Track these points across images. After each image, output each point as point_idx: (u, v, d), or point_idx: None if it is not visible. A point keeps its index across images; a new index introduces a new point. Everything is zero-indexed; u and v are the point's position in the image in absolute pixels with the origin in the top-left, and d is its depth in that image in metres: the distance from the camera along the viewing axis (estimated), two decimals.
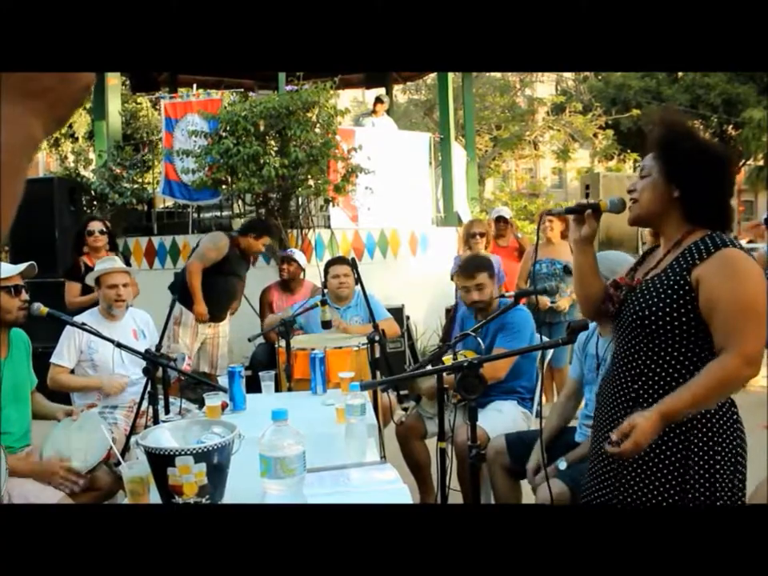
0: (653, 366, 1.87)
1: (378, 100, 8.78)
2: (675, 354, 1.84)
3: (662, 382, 1.85)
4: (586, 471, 2.14)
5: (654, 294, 1.86)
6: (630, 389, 1.91)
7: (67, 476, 2.66)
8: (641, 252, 2.31)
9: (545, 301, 5.12)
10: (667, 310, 1.82)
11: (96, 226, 4.86)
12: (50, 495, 2.58)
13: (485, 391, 3.30)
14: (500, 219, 6.34)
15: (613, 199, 1.95)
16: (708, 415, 1.82)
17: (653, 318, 1.84)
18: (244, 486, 1.80)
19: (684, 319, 1.81)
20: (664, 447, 1.84)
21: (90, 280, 3.75)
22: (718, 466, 1.82)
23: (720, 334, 1.77)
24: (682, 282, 1.82)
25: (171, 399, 2.96)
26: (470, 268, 3.55)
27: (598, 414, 2.07)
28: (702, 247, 1.83)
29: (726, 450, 1.84)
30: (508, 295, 3.06)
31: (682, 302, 1.81)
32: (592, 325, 2.76)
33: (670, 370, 1.85)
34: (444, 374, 2.31)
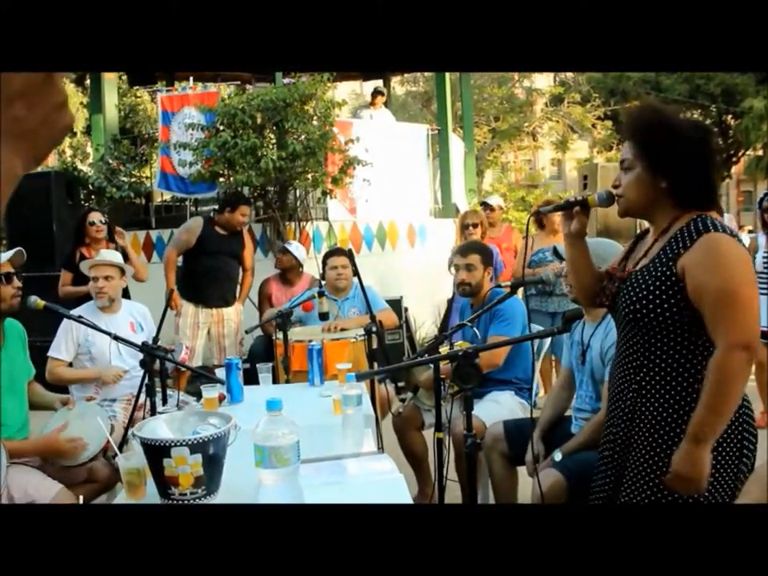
0: (652, 358, 1.86)
1: (377, 92, 8.76)
2: (672, 343, 1.84)
3: (662, 373, 1.85)
4: (595, 463, 2.14)
5: (643, 286, 1.86)
6: (633, 381, 1.91)
7: (71, 445, 2.70)
8: None
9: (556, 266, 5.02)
10: (657, 301, 1.82)
11: (96, 216, 4.91)
12: (49, 486, 2.59)
13: (481, 381, 3.33)
14: (486, 207, 6.26)
15: (601, 194, 1.94)
16: None
17: (644, 310, 1.84)
18: (240, 477, 1.80)
19: (675, 309, 1.81)
20: (670, 442, 1.84)
21: (84, 269, 3.78)
22: (721, 464, 1.82)
23: (711, 325, 1.77)
24: (668, 272, 1.81)
25: (169, 392, 2.97)
26: (464, 248, 3.65)
27: (609, 408, 2.07)
28: (687, 234, 1.82)
29: (731, 444, 1.83)
30: (504, 285, 3.06)
31: (671, 292, 1.81)
32: None
33: (669, 360, 1.84)
34: (441, 364, 2.31)
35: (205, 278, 5.02)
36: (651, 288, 1.83)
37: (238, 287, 5.35)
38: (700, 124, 2.01)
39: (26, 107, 0.55)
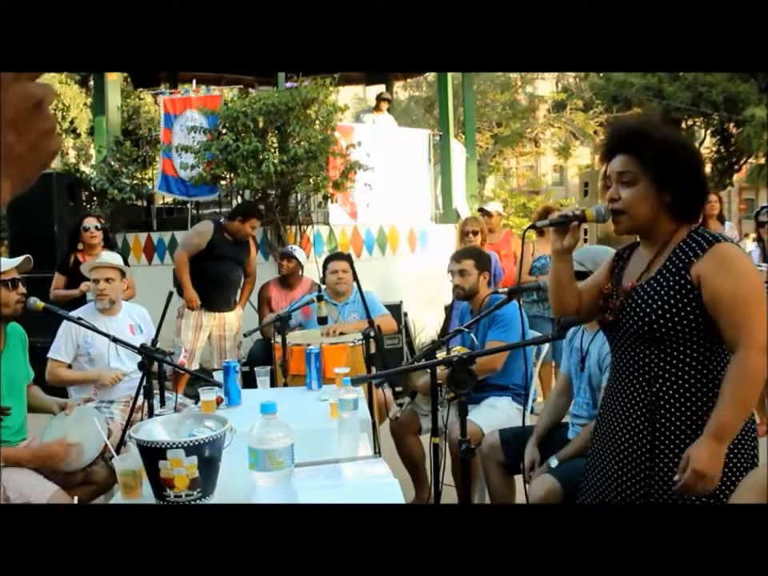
0: (667, 368, 1.86)
1: (383, 99, 8.77)
2: (688, 351, 1.84)
3: (679, 382, 1.85)
4: (585, 475, 2.13)
5: (655, 297, 1.85)
6: (647, 393, 1.89)
7: (68, 453, 2.69)
8: None
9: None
10: (674, 310, 1.82)
11: (91, 222, 4.90)
12: (46, 488, 2.59)
13: (479, 387, 3.34)
14: (484, 214, 6.27)
15: (599, 209, 1.92)
16: None
17: (661, 321, 1.83)
18: (236, 480, 1.81)
19: (692, 317, 1.82)
20: (677, 448, 1.85)
21: (85, 271, 3.79)
22: (737, 466, 1.84)
23: (729, 330, 1.79)
24: (682, 281, 1.82)
25: (167, 394, 2.97)
26: (458, 254, 3.69)
27: (606, 423, 2.04)
28: (694, 244, 1.84)
29: (746, 447, 1.86)
30: (502, 291, 3.08)
31: (686, 300, 1.82)
32: None
33: (686, 368, 1.85)
34: (438, 369, 2.32)
35: (212, 282, 5.04)
36: (665, 298, 1.83)
37: (239, 292, 5.38)
38: (691, 140, 2.03)
39: (17, 134, 0.58)
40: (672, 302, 1.83)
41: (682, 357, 1.85)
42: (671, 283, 1.84)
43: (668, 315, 1.83)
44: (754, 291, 1.80)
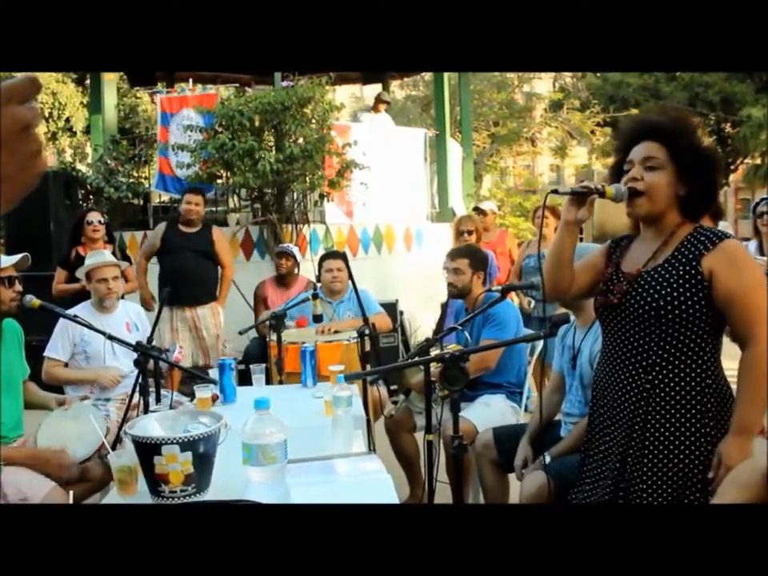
0: (666, 356, 1.90)
1: (382, 100, 8.77)
2: (687, 341, 1.89)
3: (676, 370, 1.90)
4: (581, 465, 2.15)
5: (665, 284, 1.89)
6: (644, 380, 1.93)
7: (61, 466, 2.69)
8: None
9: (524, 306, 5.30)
10: (682, 299, 1.87)
11: (95, 216, 4.93)
12: (42, 486, 2.60)
13: (473, 385, 3.35)
14: (479, 212, 6.31)
15: (618, 187, 1.92)
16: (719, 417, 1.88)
17: (669, 307, 1.88)
18: (230, 476, 1.82)
19: (697, 307, 1.87)
20: (688, 441, 1.88)
21: (80, 274, 3.79)
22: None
23: (738, 326, 1.86)
24: (693, 271, 1.87)
25: (163, 392, 2.98)
26: (453, 252, 3.70)
27: (599, 407, 2.07)
28: (703, 238, 1.90)
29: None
30: (495, 289, 3.09)
31: (694, 290, 1.87)
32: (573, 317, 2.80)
33: (683, 357, 1.89)
34: (432, 367, 2.33)
35: (171, 277, 4.97)
36: (675, 285, 1.88)
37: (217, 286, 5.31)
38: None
39: (6, 155, 0.60)
40: (681, 290, 1.87)
41: (680, 346, 1.89)
42: (681, 273, 1.88)
43: (675, 303, 1.87)
44: (760, 287, 1.86)
